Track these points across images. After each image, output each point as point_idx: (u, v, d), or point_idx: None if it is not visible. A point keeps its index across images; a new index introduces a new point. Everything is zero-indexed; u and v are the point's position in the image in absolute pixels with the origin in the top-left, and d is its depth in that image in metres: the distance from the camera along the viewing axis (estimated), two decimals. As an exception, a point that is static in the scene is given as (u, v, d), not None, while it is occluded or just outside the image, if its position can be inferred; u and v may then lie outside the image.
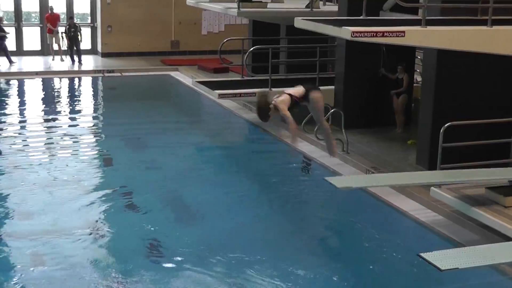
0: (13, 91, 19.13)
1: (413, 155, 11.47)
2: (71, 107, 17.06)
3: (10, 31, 21.99)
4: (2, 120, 15.23)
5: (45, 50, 22.93)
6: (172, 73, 21.10)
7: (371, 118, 13.51)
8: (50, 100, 17.90)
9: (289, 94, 8.38)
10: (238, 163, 12.47)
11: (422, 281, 7.56)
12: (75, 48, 21.74)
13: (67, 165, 11.70)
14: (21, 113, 16.49)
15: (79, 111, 16.67)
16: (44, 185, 10.53)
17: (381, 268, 7.99)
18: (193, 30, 23.97)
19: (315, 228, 9.33)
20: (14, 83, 19.63)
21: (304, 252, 8.34)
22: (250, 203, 10.08)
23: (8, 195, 10.13)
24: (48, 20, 21.98)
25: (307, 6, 15.21)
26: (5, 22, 22.02)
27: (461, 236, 8.55)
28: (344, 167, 11.51)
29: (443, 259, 6.45)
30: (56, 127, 14.88)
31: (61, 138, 13.95)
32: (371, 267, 7.99)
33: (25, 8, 23.39)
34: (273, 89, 13.17)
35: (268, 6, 15.80)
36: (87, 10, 24.10)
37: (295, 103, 8.37)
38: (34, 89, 19.59)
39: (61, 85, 20.06)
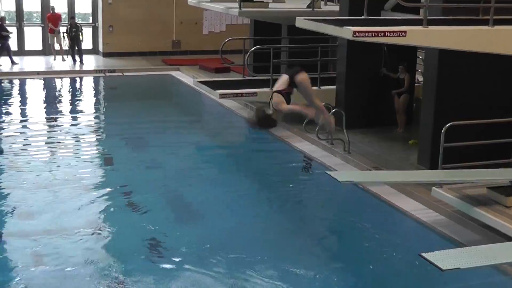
0: (15, 91, 19.14)
1: (414, 155, 11.45)
2: (72, 107, 17.06)
3: (12, 31, 21.98)
4: (4, 120, 15.22)
5: (47, 50, 22.94)
6: (174, 73, 21.10)
7: (373, 118, 13.49)
8: (51, 99, 17.89)
9: (278, 92, 8.31)
10: (239, 162, 12.46)
11: (423, 281, 7.54)
12: (76, 48, 21.75)
13: (68, 165, 11.70)
14: (23, 112, 16.51)
15: (80, 111, 16.67)
16: (45, 184, 10.53)
17: (381, 268, 7.98)
18: (195, 30, 23.96)
19: (316, 228, 9.32)
20: (16, 83, 19.63)
21: (304, 252, 8.33)
22: (250, 203, 10.07)
23: (9, 194, 10.13)
24: (49, 20, 22.00)
25: (308, 6, 15.19)
26: (6, 22, 22.00)
27: (462, 236, 8.53)
28: (346, 167, 11.50)
29: (445, 259, 6.43)
30: (57, 126, 14.88)
31: (62, 137, 13.95)
32: (371, 267, 7.98)
33: (26, 8, 23.40)
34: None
35: (269, 6, 15.79)
36: (88, 10, 24.11)
37: (287, 94, 8.29)
38: (35, 89, 19.59)
39: (63, 85, 20.07)
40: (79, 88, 20.17)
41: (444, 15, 10.54)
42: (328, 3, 16.72)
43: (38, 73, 20.50)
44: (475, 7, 10.44)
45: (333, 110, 12.39)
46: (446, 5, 10.52)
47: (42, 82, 19.94)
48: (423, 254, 6.49)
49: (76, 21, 22.24)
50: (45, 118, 15.65)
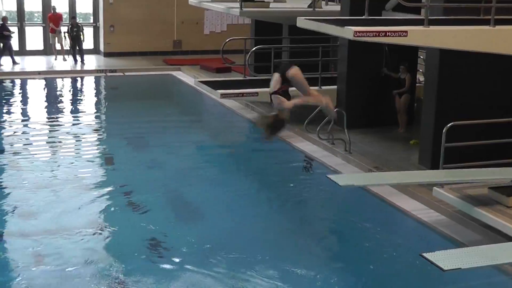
0: (16, 90, 19.15)
1: (415, 155, 11.44)
2: (73, 107, 17.06)
3: (13, 31, 21.96)
4: (5, 119, 15.24)
5: (48, 49, 22.95)
6: (175, 73, 21.10)
7: (374, 118, 13.48)
8: (52, 99, 17.90)
9: (275, 92, 8.29)
10: (239, 162, 12.46)
11: (424, 282, 7.53)
12: (77, 47, 21.75)
13: (69, 164, 11.70)
14: (24, 112, 16.50)
15: (81, 111, 16.67)
16: (46, 184, 10.53)
17: (382, 268, 7.97)
18: (196, 30, 23.96)
19: (316, 228, 9.31)
20: (17, 82, 19.64)
21: (304, 252, 8.32)
22: (250, 202, 10.06)
23: (10, 194, 10.14)
24: (50, 20, 22.01)
25: (309, 6, 15.18)
26: (8, 22, 22.01)
27: (463, 236, 8.53)
28: (347, 166, 11.49)
29: (446, 259, 6.42)
30: (58, 126, 14.88)
31: (63, 137, 13.96)
32: (372, 267, 7.97)
33: (27, 8, 23.40)
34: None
35: (270, 6, 15.79)
36: (89, 10, 24.12)
37: (285, 92, 8.25)
38: (36, 88, 19.60)
39: (64, 85, 20.07)
40: (80, 88, 20.18)
41: (445, 15, 10.53)
42: (329, 3, 16.71)
43: (39, 73, 20.51)
44: (476, 7, 10.43)
45: (335, 110, 12.40)
46: (447, 5, 10.52)
47: (43, 82, 19.95)
48: (424, 254, 6.48)
49: (77, 21, 22.26)
50: (46, 118, 15.65)
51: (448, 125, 9.19)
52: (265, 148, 13.24)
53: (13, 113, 16.18)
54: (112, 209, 9.54)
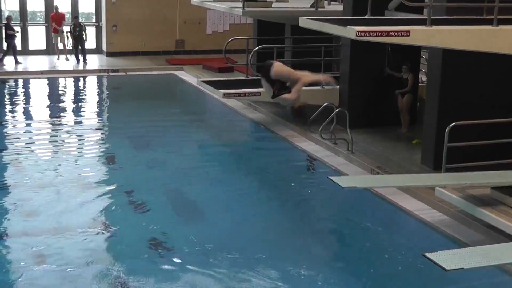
0: (19, 90, 19.16)
1: (418, 155, 11.44)
2: (75, 106, 17.07)
3: (18, 30, 22.01)
4: (8, 119, 15.28)
5: (50, 49, 22.96)
6: (177, 73, 21.11)
7: (376, 118, 13.47)
8: (55, 99, 17.92)
9: (274, 96, 8.28)
10: (242, 161, 12.46)
11: (427, 282, 7.52)
12: (80, 47, 21.77)
13: (71, 163, 11.72)
14: (26, 112, 16.52)
15: (83, 110, 16.69)
16: (48, 183, 10.55)
17: (384, 268, 7.96)
18: (198, 30, 23.97)
19: (317, 227, 9.30)
20: (20, 82, 19.65)
21: (304, 252, 8.31)
22: (252, 202, 10.07)
23: (12, 193, 10.17)
24: (53, 19, 22.02)
25: (312, 6, 15.19)
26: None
27: (466, 236, 8.52)
28: (349, 166, 11.49)
29: (448, 259, 6.42)
30: (60, 125, 14.89)
31: (66, 136, 14.00)
32: (373, 267, 7.95)
33: (30, 7, 23.41)
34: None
35: (273, 6, 15.78)
36: (92, 9, 24.13)
37: (283, 88, 8.22)
38: (39, 88, 19.61)
39: (66, 84, 20.08)
40: (82, 88, 20.19)
41: (448, 15, 10.52)
42: (332, 2, 16.70)
43: (42, 72, 20.52)
44: (479, 7, 10.43)
45: (337, 110, 12.42)
46: (450, 4, 10.51)
47: (45, 81, 19.97)
48: (427, 254, 6.48)
49: (80, 20, 22.29)
50: (49, 117, 15.67)
51: (451, 125, 9.19)
52: (267, 148, 13.27)
53: (15, 112, 16.22)
54: (114, 208, 9.55)
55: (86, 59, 21.81)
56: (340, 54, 14.51)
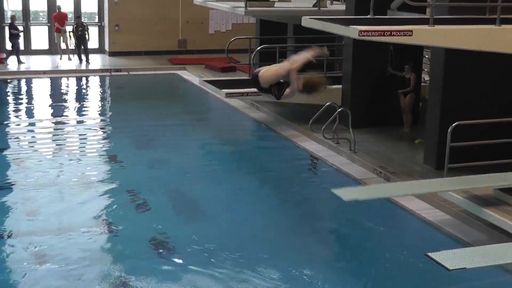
0: (21, 90, 19.19)
1: (420, 155, 11.43)
2: (78, 106, 17.08)
3: (22, 29, 22.04)
4: (10, 118, 15.30)
5: (53, 49, 22.98)
6: (180, 72, 21.12)
7: (378, 117, 13.47)
8: (57, 98, 17.93)
9: (277, 97, 8.20)
10: (244, 161, 12.45)
11: (429, 281, 7.51)
12: (82, 47, 21.79)
13: (73, 163, 11.73)
14: (29, 111, 16.54)
15: (86, 110, 16.70)
16: (51, 182, 10.57)
17: (385, 268, 7.95)
18: (201, 29, 23.98)
19: (319, 227, 9.29)
20: (22, 82, 19.68)
21: (306, 252, 8.31)
22: (254, 201, 10.07)
23: (15, 192, 10.18)
24: (55, 19, 22.04)
25: (314, 5, 15.19)
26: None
27: (469, 236, 8.51)
28: (351, 166, 11.49)
29: (451, 258, 6.42)
30: (63, 125, 14.91)
31: (68, 136, 14.02)
32: (376, 266, 7.94)
33: (33, 7, 23.45)
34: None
35: (275, 5, 15.78)
36: (94, 9, 24.15)
37: (283, 85, 8.10)
38: (42, 88, 19.64)
39: (69, 84, 20.10)
40: (85, 88, 20.20)
41: (450, 14, 10.52)
42: (334, 2, 16.71)
43: (44, 72, 20.55)
44: (481, 6, 10.42)
45: (339, 110, 12.42)
46: (453, 4, 10.50)
47: (48, 81, 19.99)
48: (430, 254, 6.49)
49: (82, 20, 22.29)
50: (51, 117, 15.67)
51: (453, 124, 9.18)
52: (270, 148, 13.27)
53: (18, 112, 16.23)
54: (115, 208, 9.55)
55: (88, 59, 21.83)
56: (342, 53, 14.50)
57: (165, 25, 23.52)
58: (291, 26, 16.65)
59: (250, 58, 15.62)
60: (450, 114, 10.19)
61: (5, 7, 22.96)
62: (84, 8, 23.99)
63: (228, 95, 14.26)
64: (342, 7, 15.00)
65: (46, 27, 23.40)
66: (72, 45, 22.03)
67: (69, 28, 22.02)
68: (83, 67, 21.45)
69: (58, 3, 22.76)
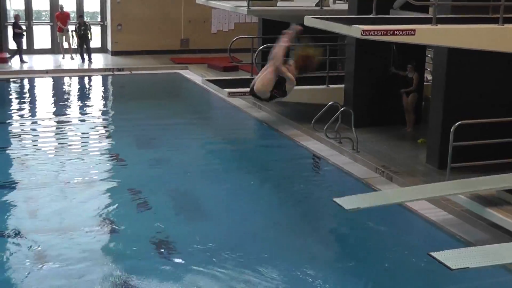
0: (24, 89, 19.20)
1: (423, 154, 11.42)
2: (80, 105, 17.08)
3: (25, 29, 22.07)
4: (13, 117, 15.31)
5: (55, 48, 22.98)
6: (182, 72, 21.11)
7: (381, 117, 13.45)
8: (60, 98, 17.93)
9: (282, 94, 8.11)
10: (246, 160, 12.44)
11: (432, 281, 7.50)
12: (85, 46, 21.79)
13: (75, 162, 11.72)
14: (31, 110, 16.54)
15: (88, 109, 16.69)
16: (52, 181, 10.57)
17: (389, 267, 7.93)
18: (203, 29, 23.97)
19: (322, 227, 9.29)
20: (25, 81, 19.69)
21: (307, 251, 8.30)
22: (255, 201, 10.06)
23: (16, 191, 10.19)
24: (58, 18, 22.05)
25: (317, 4, 15.16)
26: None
27: (471, 235, 8.49)
28: (354, 165, 11.48)
29: (454, 258, 6.42)
30: (65, 124, 14.90)
31: (70, 135, 14.02)
32: (379, 266, 7.94)
33: (35, 6, 23.44)
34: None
35: (278, 5, 15.78)
36: (97, 8, 24.14)
37: (280, 85, 7.97)
38: (44, 87, 19.65)
39: (71, 83, 20.11)
40: (87, 87, 20.21)
41: (453, 14, 10.50)
42: (337, 1, 16.69)
43: (47, 71, 20.55)
44: (484, 5, 10.40)
45: (342, 109, 12.41)
46: (455, 3, 10.49)
47: (51, 80, 19.99)
48: (432, 253, 6.48)
49: (85, 19, 22.30)
50: (54, 116, 15.68)
51: (456, 124, 9.17)
52: (273, 147, 13.26)
53: (21, 111, 16.24)
54: (117, 207, 9.55)
55: (91, 58, 21.83)
56: (345, 53, 14.49)
57: (167, 24, 23.52)
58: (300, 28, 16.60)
59: (252, 58, 15.60)
60: (453, 113, 10.18)
61: (8, 7, 22.97)
62: (87, 8, 23.98)
63: (231, 94, 14.26)
64: (345, 6, 14.99)
65: (49, 27, 23.40)
66: (74, 45, 22.03)
67: (71, 28, 22.01)
68: (86, 66, 21.45)
69: (60, 3, 22.76)
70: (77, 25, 21.71)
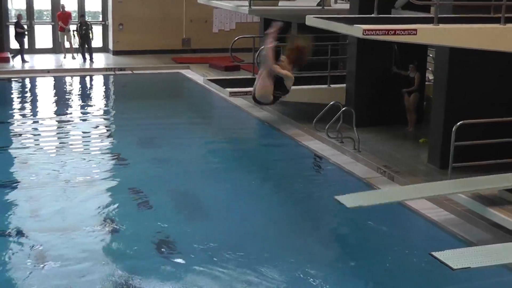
0: (25, 88, 19.21)
1: (424, 154, 11.40)
2: (82, 105, 17.08)
3: (28, 28, 22.08)
4: (14, 117, 15.31)
5: (57, 48, 22.98)
6: (183, 71, 21.10)
7: (383, 116, 13.43)
8: (61, 97, 17.95)
9: (285, 93, 8.10)
10: (248, 160, 12.44)
11: (433, 281, 7.49)
12: (86, 46, 21.78)
13: (76, 162, 11.71)
14: (33, 110, 16.54)
15: (89, 109, 16.70)
16: (54, 181, 10.57)
17: (390, 267, 7.93)
18: (204, 28, 23.96)
19: (322, 226, 9.28)
20: (26, 81, 19.70)
21: (307, 251, 8.30)
22: (256, 201, 10.05)
23: (18, 190, 10.18)
24: (59, 18, 22.05)
25: (318, 4, 15.15)
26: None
27: (473, 235, 8.48)
28: (356, 165, 11.47)
29: (455, 258, 6.41)
30: (66, 124, 14.91)
31: (72, 135, 14.02)
32: (380, 266, 7.92)
33: (37, 6, 23.44)
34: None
35: (279, 4, 15.77)
36: (98, 8, 24.14)
37: (279, 83, 7.94)
38: (45, 86, 19.66)
39: (73, 83, 20.11)
40: (89, 86, 20.22)
41: (454, 13, 10.49)
42: (338, 1, 16.66)
43: (48, 71, 20.55)
44: (486, 5, 10.39)
45: (343, 109, 12.40)
46: (457, 3, 10.49)
47: (52, 80, 20.00)
48: (434, 253, 6.47)
49: (86, 19, 22.31)
50: (55, 115, 15.69)
51: (458, 123, 9.15)
52: (274, 147, 13.25)
53: (22, 110, 16.24)
54: (118, 206, 9.55)
55: (92, 58, 21.83)
56: (346, 52, 14.48)
57: (169, 24, 23.51)
58: (295, 25, 16.61)
59: (254, 57, 15.60)
60: (455, 113, 10.17)
61: (9, 6, 22.98)
62: (88, 7, 23.97)
63: (232, 94, 14.26)
64: (346, 6, 14.97)
65: (50, 26, 23.40)
66: (76, 44, 22.02)
67: (73, 27, 22.02)
68: (87, 66, 21.44)
69: (62, 2, 22.72)
70: (79, 24, 21.71)
